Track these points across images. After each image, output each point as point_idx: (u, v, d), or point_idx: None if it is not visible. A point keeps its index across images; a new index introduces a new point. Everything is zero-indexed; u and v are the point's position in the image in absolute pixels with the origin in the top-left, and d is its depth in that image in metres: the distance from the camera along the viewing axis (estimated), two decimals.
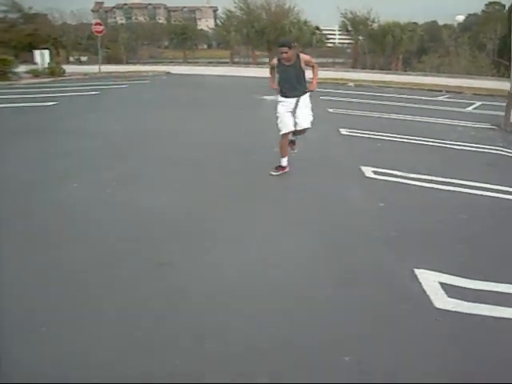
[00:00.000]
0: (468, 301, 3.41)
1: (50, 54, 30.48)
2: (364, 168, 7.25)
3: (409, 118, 13.23)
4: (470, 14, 67.48)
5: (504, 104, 13.20)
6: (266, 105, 15.28)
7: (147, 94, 19.01)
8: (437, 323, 3.19)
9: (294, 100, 6.67)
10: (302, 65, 6.55)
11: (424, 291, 3.56)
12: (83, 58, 54.97)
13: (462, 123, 12.56)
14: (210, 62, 57.81)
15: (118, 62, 48.83)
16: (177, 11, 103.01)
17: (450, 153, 8.92)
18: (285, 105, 6.71)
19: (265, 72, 26.71)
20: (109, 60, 45.23)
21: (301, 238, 4.68)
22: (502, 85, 23.29)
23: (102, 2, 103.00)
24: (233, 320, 3.19)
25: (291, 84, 6.60)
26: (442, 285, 3.63)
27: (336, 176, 6.97)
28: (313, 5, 79.87)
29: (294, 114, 6.70)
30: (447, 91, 21.79)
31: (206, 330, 3.06)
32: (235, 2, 56.63)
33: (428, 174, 6.95)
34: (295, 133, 6.93)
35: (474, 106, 16.93)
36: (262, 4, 56.08)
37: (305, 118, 6.76)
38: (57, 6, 78.01)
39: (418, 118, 13.12)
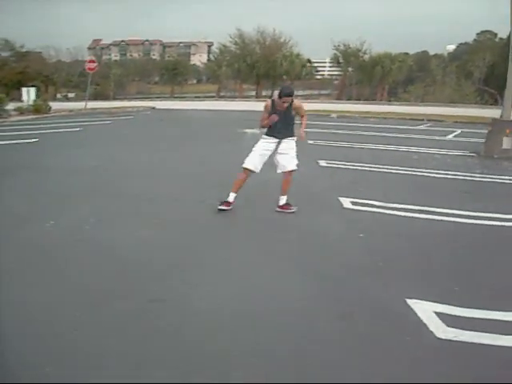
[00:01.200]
0: (468, 330, 3.39)
1: (38, 92, 30.77)
2: (342, 199, 7.21)
3: (388, 147, 13.24)
4: (461, 44, 68.88)
5: (484, 131, 13.36)
6: (246, 138, 15.36)
7: (129, 129, 19.13)
8: (441, 353, 3.16)
9: (275, 141, 6.61)
10: (293, 111, 6.52)
11: (421, 321, 3.53)
12: (70, 95, 55.65)
13: (441, 151, 12.60)
14: (196, 97, 58.73)
15: (105, 97, 49.29)
16: (172, 47, 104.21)
17: (428, 181, 8.89)
18: (265, 143, 6.64)
19: (249, 105, 27.00)
20: (96, 96, 45.64)
21: (287, 271, 4.63)
22: (484, 112, 23.74)
23: (100, 39, 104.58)
24: (231, 358, 3.13)
25: (278, 126, 6.53)
26: (438, 314, 3.61)
27: (314, 208, 6.88)
28: (308, 37, 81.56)
29: (279, 156, 6.61)
30: (428, 120, 21.97)
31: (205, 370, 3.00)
32: (231, 37, 57.75)
33: (406, 203, 6.92)
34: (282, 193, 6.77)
35: (454, 133, 17.05)
36: (257, 38, 57.20)
37: (290, 161, 6.62)
38: (57, 43, 79.20)
39: (397, 148, 13.13)
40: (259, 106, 28.33)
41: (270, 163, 6.68)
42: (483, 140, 12.72)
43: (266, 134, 6.70)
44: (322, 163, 10.31)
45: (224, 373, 2.97)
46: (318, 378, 2.91)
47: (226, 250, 5.26)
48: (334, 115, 24.36)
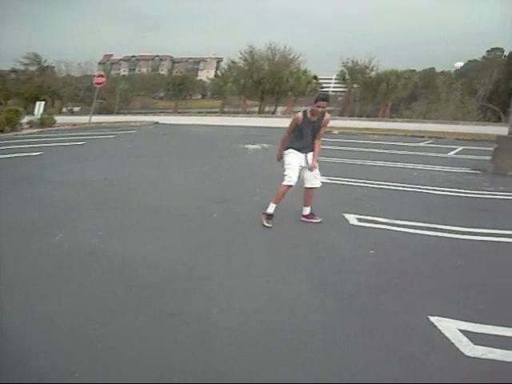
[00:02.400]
0: (497, 347, 3.39)
1: (45, 105, 30.98)
2: (347, 215, 7.22)
3: (389, 164, 13.21)
4: (469, 61, 68.85)
5: (486, 148, 13.29)
6: (247, 154, 15.59)
7: (132, 144, 19.09)
8: (472, 371, 3.16)
9: (303, 155, 6.62)
10: (323, 123, 6.47)
11: (448, 339, 3.54)
12: (76, 109, 56.19)
13: (443, 168, 12.53)
14: (199, 112, 58.85)
15: (110, 112, 49.64)
16: (181, 62, 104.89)
17: (431, 198, 8.82)
18: (296, 157, 6.60)
19: (251, 121, 27.02)
20: (101, 110, 45.99)
21: (301, 287, 4.62)
22: (485, 129, 23.74)
23: (111, 55, 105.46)
24: (254, 369, 3.19)
25: (307, 139, 6.52)
26: (464, 332, 3.63)
27: (320, 224, 6.84)
28: (317, 54, 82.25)
29: (305, 170, 6.65)
30: (429, 137, 21.95)
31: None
32: (241, 53, 58.09)
33: (413, 220, 6.90)
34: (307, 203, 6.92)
35: (455, 151, 16.94)
36: (266, 55, 57.52)
37: (317, 177, 6.70)
38: (71, 58, 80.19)
39: (398, 164, 13.09)
40: (261, 121, 28.63)
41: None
42: (487, 157, 12.59)
43: (294, 149, 6.62)
44: (325, 180, 10.17)
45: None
46: None
47: (238, 264, 5.29)
48: (335, 131, 24.35)
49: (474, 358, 3.26)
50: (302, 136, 6.50)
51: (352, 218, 7.08)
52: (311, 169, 6.64)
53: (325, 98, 6.20)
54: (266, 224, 6.69)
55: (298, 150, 6.61)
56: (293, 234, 6.47)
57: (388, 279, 4.79)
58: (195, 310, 4.08)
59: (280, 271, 5.05)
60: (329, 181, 10.19)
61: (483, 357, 3.27)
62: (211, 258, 5.49)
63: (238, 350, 3.44)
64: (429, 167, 12.70)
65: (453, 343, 3.46)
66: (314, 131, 6.49)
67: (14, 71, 56.36)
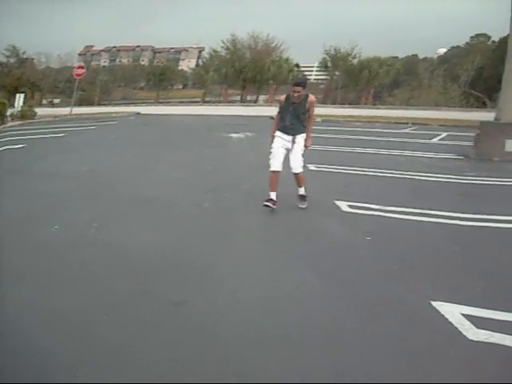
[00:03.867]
0: (499, 332, 3.38)
1: (25, 98, 30.60)
2: (338, 202, 7.21)
3: (375, 151, 13.20)
4: (452, 47, 69.04)
5: (469, 134, 13.32)
6: (232, 142, 15.63)
7: (114, 135, 19.09)
8: (475, 354, 3.16)
9: (290, 138, 6.73)
10: (307, 106, 6.60)
11: (451, 323, 3.54)
12: (56, 101, 55.72)
13: (428, 154, 12.54)
14: (181, 102, 58.58)
15: (90, 103, 49.26)
16: (163, 52, 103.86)
17: (420, 184, 8.84)
18: (281, 140, 6.78)
19: (234, 110, 27.13)
20: (81, 102, 45.52)
21: (303, 275, 4.58)
22: (468, 115, 23.86)
23: (92, 46, 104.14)
24: (263, 359, 3.17)
25: (292, 121, 6.66)
26: (466, 316, 3.62)
27: (313, 212, 6.84)
28: (299, 42, 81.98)
29: (290, 153, 6.77)
30: (413, 123, 22.00)
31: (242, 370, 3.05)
32: (223, 42, 57.67)
33: (403, 206, 6.90)
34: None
35: (439, 137, 16.97)
36: (249, 43, 57.21)
37: (296, 163, 6.75)
38: (50, 49, 79.21)
39: (384, 151, 13.08)
40: (243, 110, 28.61)
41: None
42: (471, 143, 12.61)
43: (279, 130, 6.80)
44: (311, 167, 10.15)
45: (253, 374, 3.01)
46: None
47: (238, 253, 5.28)
48: (319, 119, 24.27)
49: (478, 341, 3.27)
50: (283, 116, 6.71)
51: (343, 205, 7.06)
52: (306, 146, 6.83)
53: (298, 82, 6.49)
54: (269, 204, 6.75)
55: (282, 131, 6.78)
56: (287, 222, 6.49)
57: (388, 265, 4.77)
58: (201, 299, 4.05)
59: (280, 259, 5.04)
60: (316, 168, 10.18)
61: (486, 340, 3.27)
62: (210, 246, 5.47)
63: (247, 340, 3.41)
64: (415, 153, 12.72)
65: (456, 327, 3.47)
66: (295, 112, 6.62)
67: None
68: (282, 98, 6.82)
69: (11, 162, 11.96)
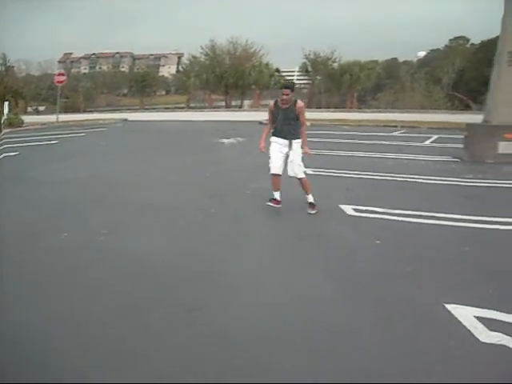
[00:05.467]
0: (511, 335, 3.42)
1: (9, 106, 30.38)
2: (343, 206, 7.23)
3: (369, 154, 13.26)
4: (432, 50, 69.53)
5: (460, 136, 13.32)
6: (224, 148, 15.69)
7: (105, 141, 19.12)
8: (487, 356, 3.19)
9: (286, 142, 6.77)
10: (297, 111, 6.66)
11: (464, 326, 3.57)
12: (41, 108, 55.21)
13: (423, 157, 12.61)
14: (166, 108, 58.45)
15: (76, 110, 49.00)
16: (142, 59, 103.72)
17: (422, 187, 8.87)
18: (277, 145, 6.85)
19: (219, 115, 27.22)
20: (67, 109, 45.26)
21: (315, 278, 4.62)
22: (454, 117, 24.04)
23: (71, 53, 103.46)
24: (281, 361, 3.19)
25: (284, 128, 6.72)
26: (479, 319, 3.64)
27: (319, 216, 6.86)
28: (278, 47, 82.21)
29: (288, 158, 6.80)
30: (401, 126, 22.07)
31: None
32: (202, 48, 57.60)
33: (409, 209, 6.91)
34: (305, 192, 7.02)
35: (430, 139, 17.08)
36: (228, 49, 57.23)
37: (296, 170, 6.81)
38: (29, 57, 78.37)
39: (378, 155, 13.13)
40: (229, 116, 28.68)
41: None
42: (462, 145, 12.61)
43: (273, 135, 6.92)
44: (309, 171, 10.10)
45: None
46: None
47: (249, 257, 5.32)
48: (307, 123, 24.37)
49: (490, 343, 3.31)
50: (282, 121, 6.73)
51: (348, 209, 7.09)
52: (305, 154, 6.89)
53: (287, 85, 6.69)
54: (272, 204, 6.99)
55: (275, 135, 6.89)
56: (295, 226, 6.52)
57: (400, 268, 4.80)
58: (214, 305, 4.07)
59: (291, 263, 5.07)
60: (313, 172, 10.08)
61: (498, 342, 3.31)
62: (220, 251, 5.50)
63: (261, 344, 3.42)
64: (410, 156, 12.81)
65: (469, 330, 3.50)
66: (286, 117, 6.69)
67: None
68: (271, 104, 6.94)
69: (9, 170, 11.96)
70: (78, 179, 10.25)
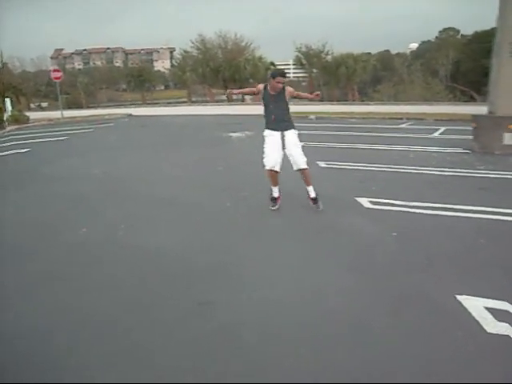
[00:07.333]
0: None
1: (12, 102, 30.42)
2: (359, 199, 7.26)
3: (380, 146, 13.28)
4: (423, 42, 69.43)
5: (467, 128, 13.40)
6: (233, 142, 15.73)
7: (114, 136, 19.24)
8: (492, 347, 3.25)
9: (279, 133, 6.58)
10: (287, 97, 6.50)
11: (473, 317, 3.62)
12: (44, 104, 55.14)
13: (435, 149, 12.62)
14: (169, 103, 58.41)
15: (79, 106, 49.05)
16: (134, 54, 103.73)
17: (437, 179, 8.85)
18: (271, 138, 6.63)
19: (223, 109, 27.19)
20: (69, 105, 45.33)
21: (333, 271, 4.69)
22: (459, 109, 24.04)
23: (62, 49, 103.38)
24: (292, 355, 3.24)
25: (277, 116, 6.54)
26: (489, 310, 3.70)
27: (336, 209, 6.86)
28: (269, 39, 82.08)
29: (285, 150, 6.62)
30: (407, 118, 22.09)
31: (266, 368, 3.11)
32: (192, 42, 57.44)
33: (427, 202, 6.96)
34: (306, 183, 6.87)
35: (439, 131, 17.07)
36: (218, 43, 57.09)
37: (299, 159, 6.60)
38: (20, 54, 78.23)
39: (389, 147, 13.13)
40: (232, 109, 28.62)
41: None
42: (471, 137, 12.70)
43: (267, 128, 6.72)
44: (322, 164, 10.36)
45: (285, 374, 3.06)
46: (369, 374, 3.03)
47: (265, 251, 5.35)
48: (312, 116, 24.38)
49: (496, 334, 3.38)
50: (273, 112, 6.55)
51: (365, 202, 7.13)
52: (316, 96, 6.75)
53: (282, 73, 6.42)
54: (271, 207, 6.93)
55: (269, 128, 6.66)
56: (313, 219, 6.54)
57: (417, 260, 4.87)
58: (226, 299, 4.12)
59: (309, 256, 5.13)
60: (326, 165, 10.30)
61: (505, 333, 3.38)
62: (237, 244, 5.59)
63: (274, 341, 3.46)
64: (421, 148, 12.83)
65: (477, 321, 3.55)
66: (283, 106, 6.55)
67: None
68: (260, 86, 6.65)
69: (23, 166, 12.09)
70: (93, 175, 10.33)
